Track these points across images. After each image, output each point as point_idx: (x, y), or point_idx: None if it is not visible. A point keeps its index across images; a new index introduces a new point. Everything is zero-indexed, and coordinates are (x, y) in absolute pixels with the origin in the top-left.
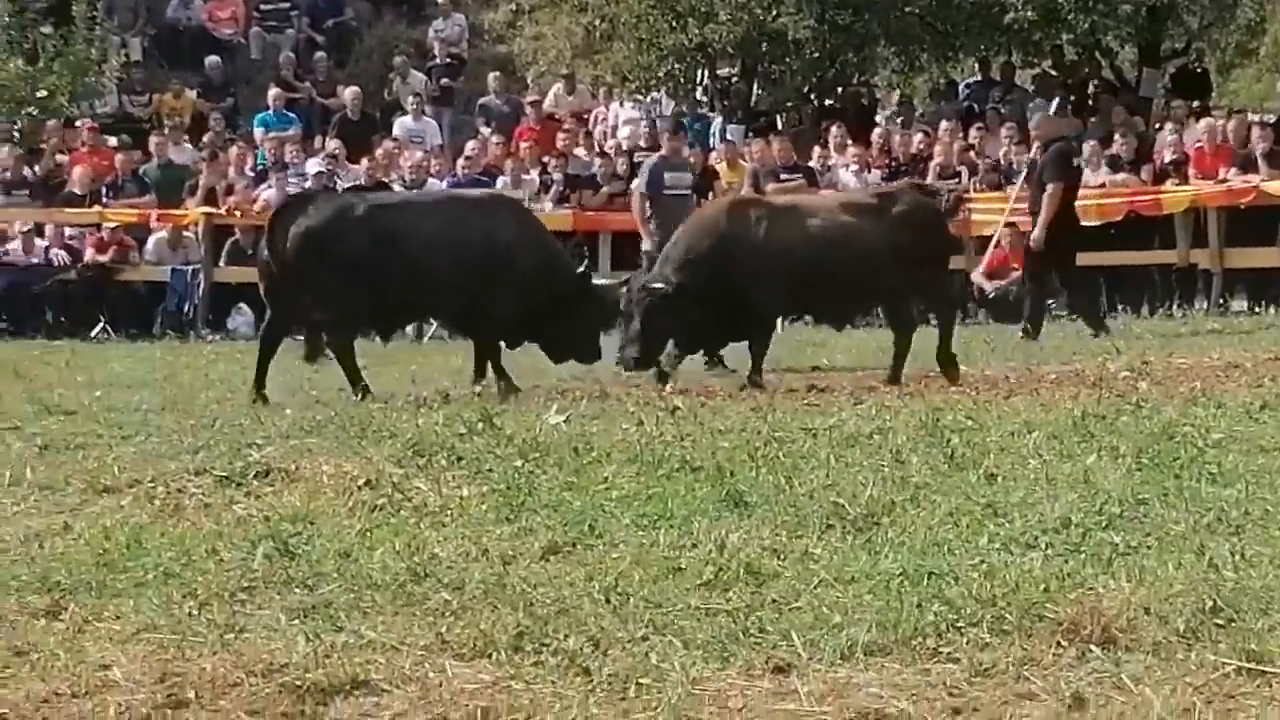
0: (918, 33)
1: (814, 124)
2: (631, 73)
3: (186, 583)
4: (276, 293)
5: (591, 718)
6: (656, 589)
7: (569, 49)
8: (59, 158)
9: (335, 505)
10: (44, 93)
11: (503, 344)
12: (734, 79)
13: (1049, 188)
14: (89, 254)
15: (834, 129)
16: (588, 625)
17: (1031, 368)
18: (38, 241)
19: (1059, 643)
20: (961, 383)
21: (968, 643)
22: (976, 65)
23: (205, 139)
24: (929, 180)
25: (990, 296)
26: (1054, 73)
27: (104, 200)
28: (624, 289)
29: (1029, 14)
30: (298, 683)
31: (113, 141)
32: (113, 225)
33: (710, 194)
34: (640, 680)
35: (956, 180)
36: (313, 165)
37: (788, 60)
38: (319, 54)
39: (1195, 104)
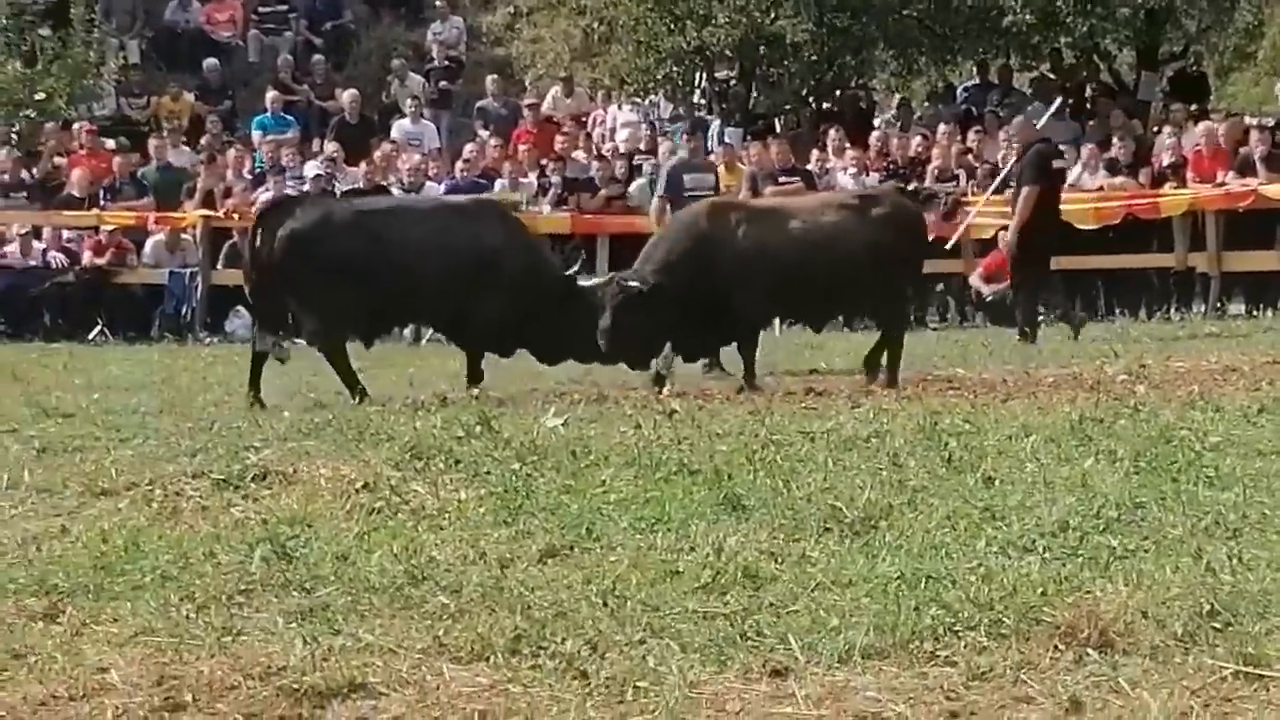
0: (916, 36)
1: (812, 127)
2: (630, 75)
3: (184, 585)
4: (260, 295)
5: None
6: (654, 592)
7: (567, 52)
8: (57, 160)
9: (333, 508)
10: (42, 95)
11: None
12: (732, 82)
13: (1023, 190)
14: (87, 256)
15: (832, 132)
16: (585, 628)
17: (1029, 371)
18: (35, 244)
19: (1056, 646)
20: (959, 386)
21: (965, 646)
22: (975, 68)
23: (202, 141)
24: (927, 183)
25: (988, 300)
26: (1052, 76)
27: (102, 203)
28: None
29: (1027, 17)
30: (295, 685)
31: (111, 144)
32: (110, 228)
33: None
34: (638, 683)
35: (954, 183)
36: (311, 168)
37: (786, 63)
38: (317, 57)
39: (1193, 107)
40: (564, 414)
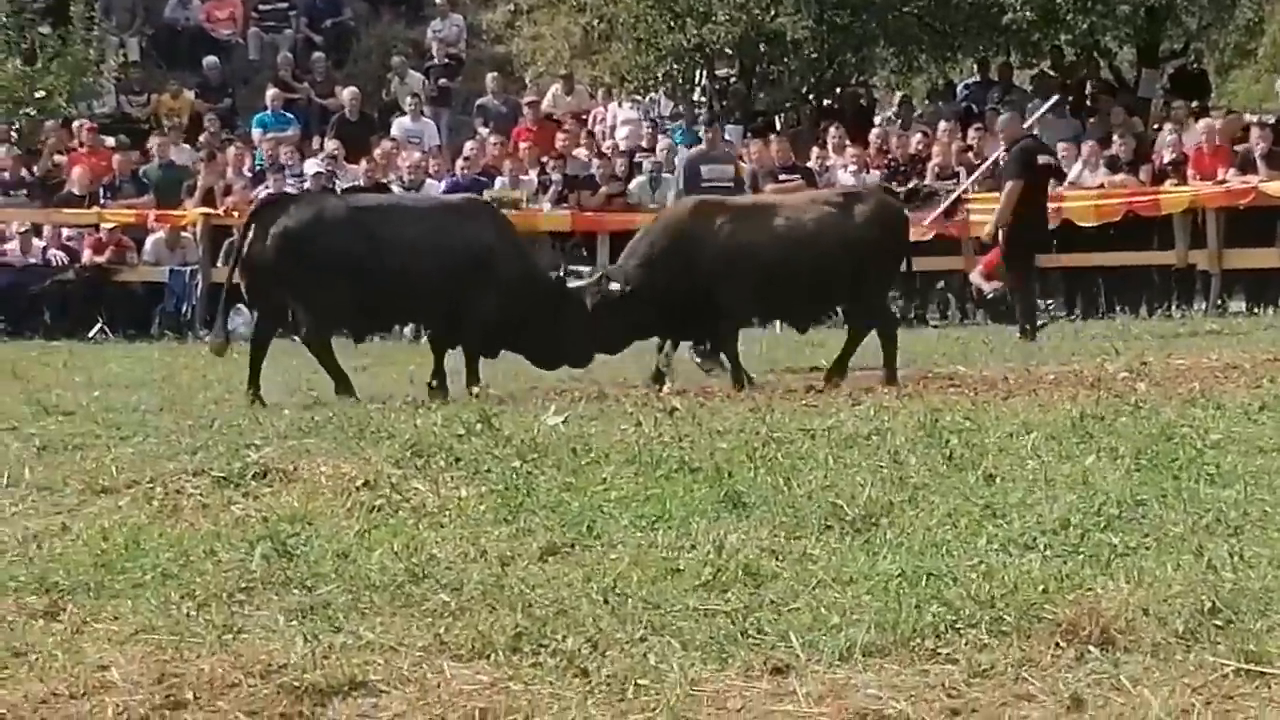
0: (916, 33)
1: (812, 124)
2: (630, 73)
3: (184, 583)
4: (254, 292)
5: (590, 718)
6: (655, 590)
7: (567, 49)
8: (57, 158)
9: (333, 506)
10: (42, 93)
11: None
12: (732, 79)
13: (1007, 185)
14: (87, 255)
15: (832, 129)
16: (586, 626)
17: (1030, 368)
18: (35, 242)
19: (1057, 644)
20: (960, 383)
21: (966, 644)
22: (975, 66)
23: (201, 139)
24: (927, 180)
25: (989, 297)
26: (1052, 73)
27: (102, 201)
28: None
29: (1028, 14)
30: (296, 683)
31: (111, 142)
32: (111, 226)
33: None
34: (639, 681)
35: (955, 181)
36: (311, 166)
37: (786, 61)
38: (317, 54)
39: (1194, 104)
40: (564, 411)
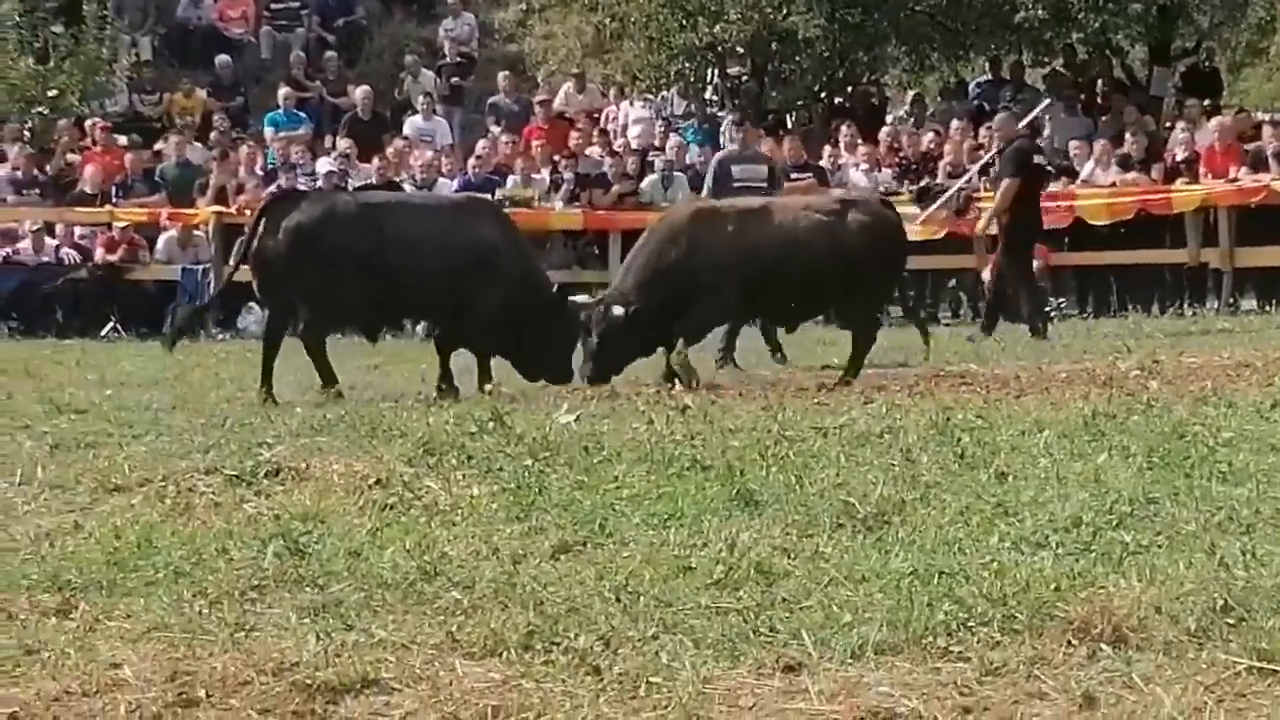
0: (928, 31)
1: (824, 123)
2: (642, 72)
3: (197, 581)
4: (265, 288)
5: (602, 716)
6: (667, 588)
7: (579, 48)
8: (70, 157)
9: (346, 504)
10: (55, 92)
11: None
12: (744, 78)
13: (1002, 183)
14: (99, 253)
15: (844, 128)
16: (598, 624)
17: (1042, 366)
18: (48, 240)
19: (1070, 642)
20: (972, 382)
21: (978, 641)
22: (987, 64)
23: (211, 138)
24: (939, 179)
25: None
26: (1064, 72)
27: (114, 199)
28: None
29: (1039, 13)
30: (308, 681)
31: (123, 141)
32: (123, 224)
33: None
34: (651, 679)
35: (967, 179)
36: (324, 165)
37: (798, 59)
38: (329, 53)
39: (1206, 103)
40: (576, 410)
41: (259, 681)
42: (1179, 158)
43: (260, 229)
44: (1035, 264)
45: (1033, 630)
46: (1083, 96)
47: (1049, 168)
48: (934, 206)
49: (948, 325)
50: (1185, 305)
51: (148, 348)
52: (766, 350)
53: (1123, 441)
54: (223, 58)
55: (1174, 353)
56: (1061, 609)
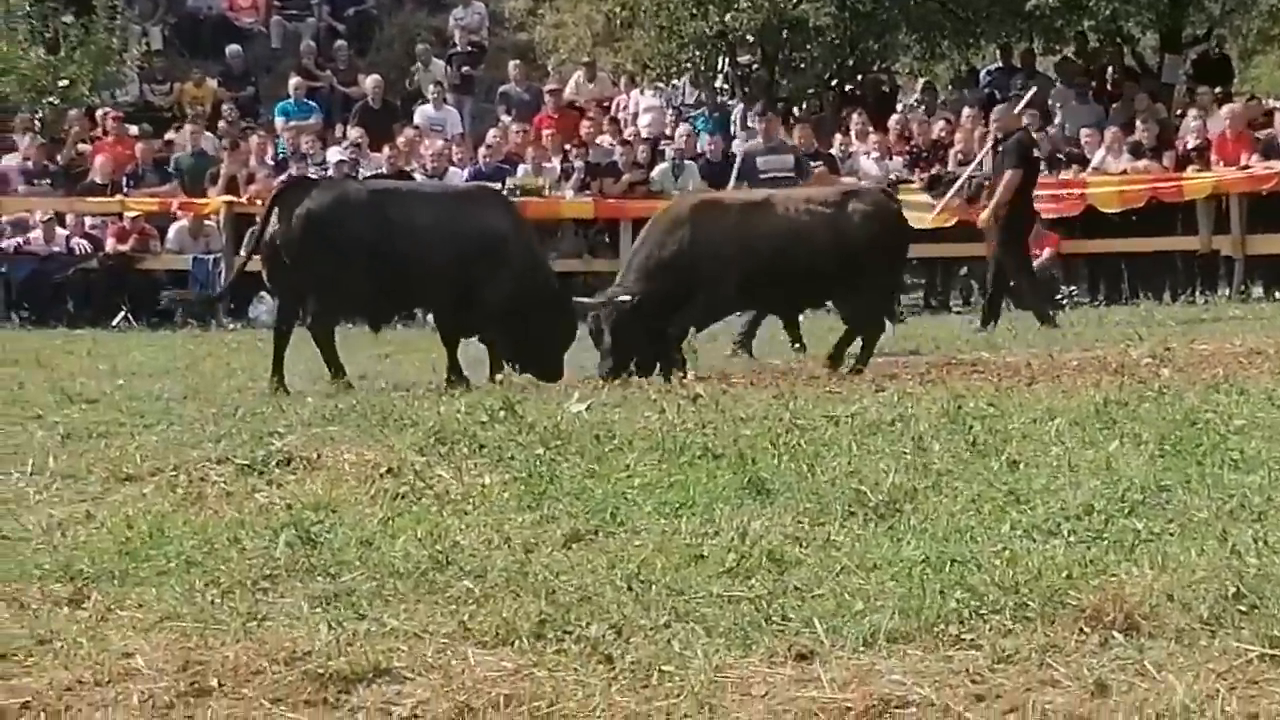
0: (939, 19)
1: (835, 111)
2: (652, 60)
3: (209, 571)
4: (276, 277)
5: (614, 705)
6: (679, 576)
7: (590, 36)
8: (81, 147)
9: (357, 493)
10: (65, 82)
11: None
12: (755, 66)
13: (1006, 175)
14: (110, 243)
15: (855, 116)
16: (610, 613)
17: (1053, 354)
18: (59, 230)
19: (1082, 629)
20: (983, 370)
21: (990, 629)
22: (998, 52)
23: (220, 127)
24: (950, 167)
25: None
26: (1076, 59)
27: (125, 189)
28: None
29: (1050, 0)
30: (320, 670)
31: (134, 130)
32: (134, 214)
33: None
34: (663, 667)
35: (979, 168)
36: (334, 154)
37: (808, 47)
38: (340, 42)
39: (1217, 90)
40: (588, 399)
41: (271, 671)
42: (1190, 145)
43: (272, 217)
44: (1047, 252)
45: (1045, 618)
46: (1094, 84)
47: (1043, 161)
48: (949, 195)
49: (958, 313)
50: (1197, 292)
51: (159, 337)
52: (783, 339)
53: (1134, 429)
54: (233, 47)
55: (1185, 340)
56: (1073, 596)
